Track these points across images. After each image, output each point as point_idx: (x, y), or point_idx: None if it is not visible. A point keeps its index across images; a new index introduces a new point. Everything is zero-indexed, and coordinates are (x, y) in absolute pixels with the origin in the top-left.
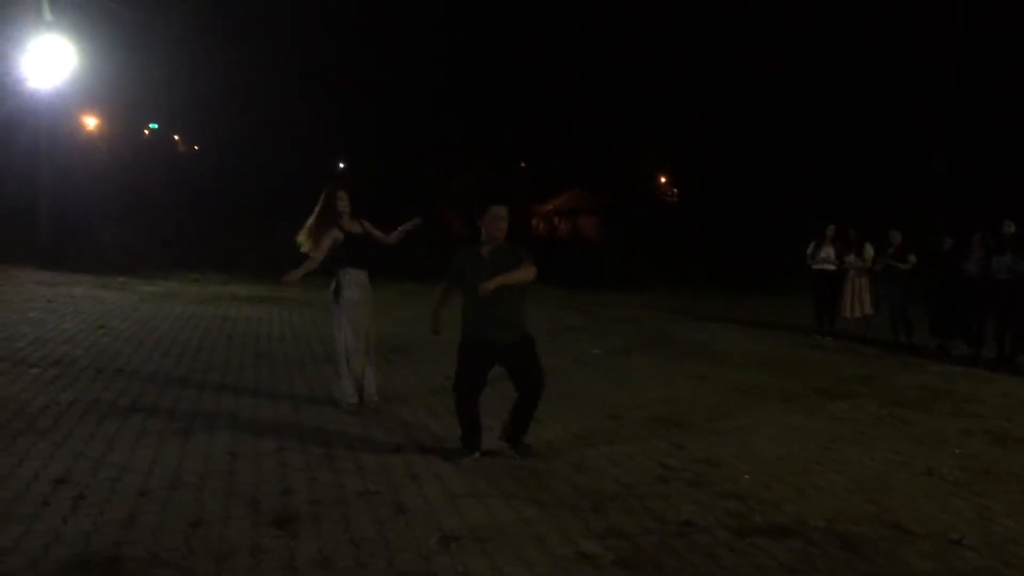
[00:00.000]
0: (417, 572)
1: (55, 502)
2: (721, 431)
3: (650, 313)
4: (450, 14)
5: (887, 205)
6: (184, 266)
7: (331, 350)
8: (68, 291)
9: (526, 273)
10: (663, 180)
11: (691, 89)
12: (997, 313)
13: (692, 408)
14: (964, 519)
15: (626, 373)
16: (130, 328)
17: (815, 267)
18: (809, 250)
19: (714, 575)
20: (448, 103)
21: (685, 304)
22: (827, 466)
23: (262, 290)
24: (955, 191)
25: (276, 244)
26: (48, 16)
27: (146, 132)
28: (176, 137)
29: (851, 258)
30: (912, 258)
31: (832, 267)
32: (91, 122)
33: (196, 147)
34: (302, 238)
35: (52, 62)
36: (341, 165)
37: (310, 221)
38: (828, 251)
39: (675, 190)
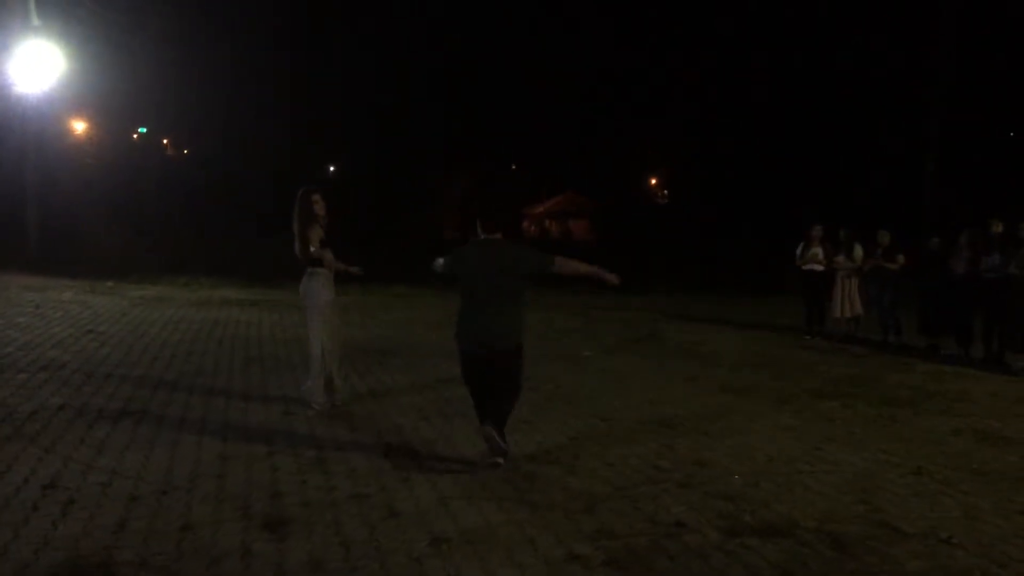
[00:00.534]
0: (408, 575)
1: (45, 507)
2: (712, 432)
3: (641, 314)
4: (442, 19)
5: (875, 205)
6: (174, 270)
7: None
8: (56, 296)
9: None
10: (653, 182)
11: (681, 91)
12: (985, 312)
13: (683, 409)
14: (954, 518)
15: (617, 375)
16: (119, 332)
17: (804, 268)
18: (798, 251)
19: None
20: (440, 108)
21: (676, 305)
22: (817, 466)
23: (252, 294)
24: (943, 190)
25: (266, 248)
26: (36, 21)
27: (135, 136)
28: (165, 141)
29: (841, 258)
30: (901, 258)
31: (821, 267)
32: (79, 126)
33: (185, 151)
34: (307, 243)
35: (40, 66)
36: (332, 169)
37: (296, 227)
38: (817, 251)
39: (665, 192)
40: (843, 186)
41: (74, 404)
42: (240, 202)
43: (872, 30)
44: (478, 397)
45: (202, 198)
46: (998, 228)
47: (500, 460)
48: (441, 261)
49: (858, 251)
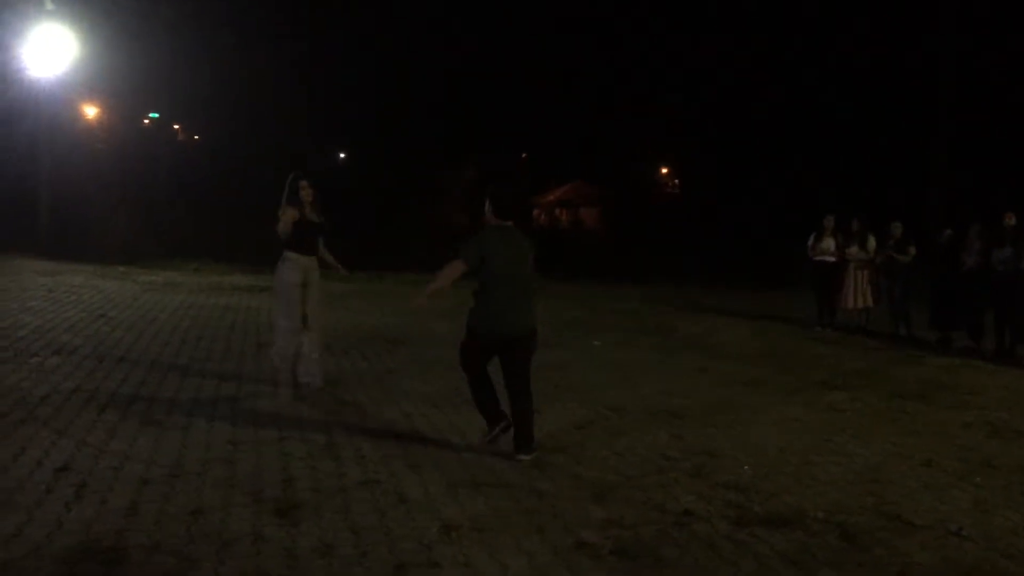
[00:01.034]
0: (418, 561)
1: (57, 490)
2: (721, 423)
3: (650, 305)
4: (451, 6)
5: (887, 196)
6: (184, 256)
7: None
8: (69, 280)
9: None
10: (664, 171)
11: (692, 80)
12: (997, 305)
13: (692, 400)
14: (963, 510)
15: (626, 365)
16: (131, 317)
17: (816, 259)
18: (809, 242)
19: (714, 565)
20: (449, 95)
21: (685, 296)
22: (827, 457)
23: (262, 280)
24: (955, 183)
25: (275, 235)
26: (49, 5)
27: (146, 121)
28: (176, 126)
29: (854, 249)
30: (912, 250)
31: (833, 259)
32: (91, 111)
33: (196, 136)
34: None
35: (53, 51)
36: (342, 156)
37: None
38: (829, 243)
39: (676, 181)
40: (854, 177)
41: (87, 388)
42: (250, 189)
43: (884, 17)
44: (488, 389)
45: (213, 184)
46: (1011, 221)
47: (529, 457)
48: (463, 256)
49: (871, 242)
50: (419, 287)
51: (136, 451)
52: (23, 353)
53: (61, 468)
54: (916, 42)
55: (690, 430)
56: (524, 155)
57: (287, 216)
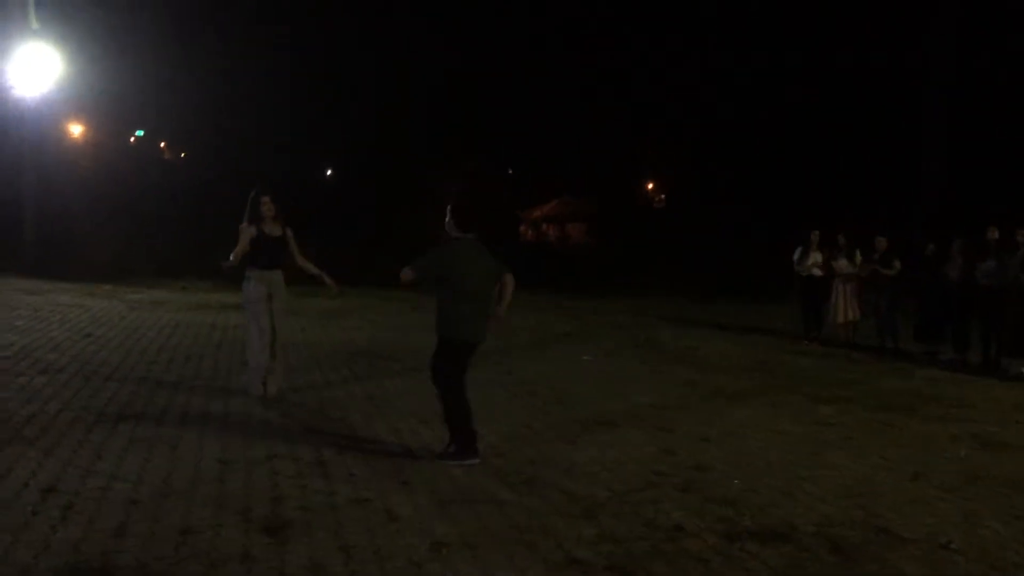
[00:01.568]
0: None
1: (44, 511)
2: (711, 437)
3: (639, 319)
4: (440, 21)
5: (873, 210)
6: (171, 274)
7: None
8: (54, 299)
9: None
10: (650, 186)
11: (677, 93)
12: (982, 318)
13: (682, 414)
14: (952, 523)
15: (616, 379)
16: (118, 336)
17: (802, 273)
18: (796, 256)
19: None
20: (436, 111)
21: (674, 310)
22: (816, 471)
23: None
24: (942, 196)
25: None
26: (35, 24)
27: (132, 139)
28: (162, 144)
29: (842, 263)
30: (897, 263)
31: (819, 273)
32: (77, 129)
33: (183, 154)
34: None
35: (38, 70)
36: (329, 172)
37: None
38: (816, 257)
39: (662, 196)
40: (840, 191)
41: (73, 408)
42: (236, 206)
43: (871, 27)
44: (463, 395)
45: (199, 201)
46: (994, 234)
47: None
48: (415, 266)
49: (858, 256)
50: (407, 302)
51: (124, 471)
52: (9, 372)
53: (48, 489)
54: (903, 53)
55: (680, 444)
56: (510, 171)
57: (243, 236)
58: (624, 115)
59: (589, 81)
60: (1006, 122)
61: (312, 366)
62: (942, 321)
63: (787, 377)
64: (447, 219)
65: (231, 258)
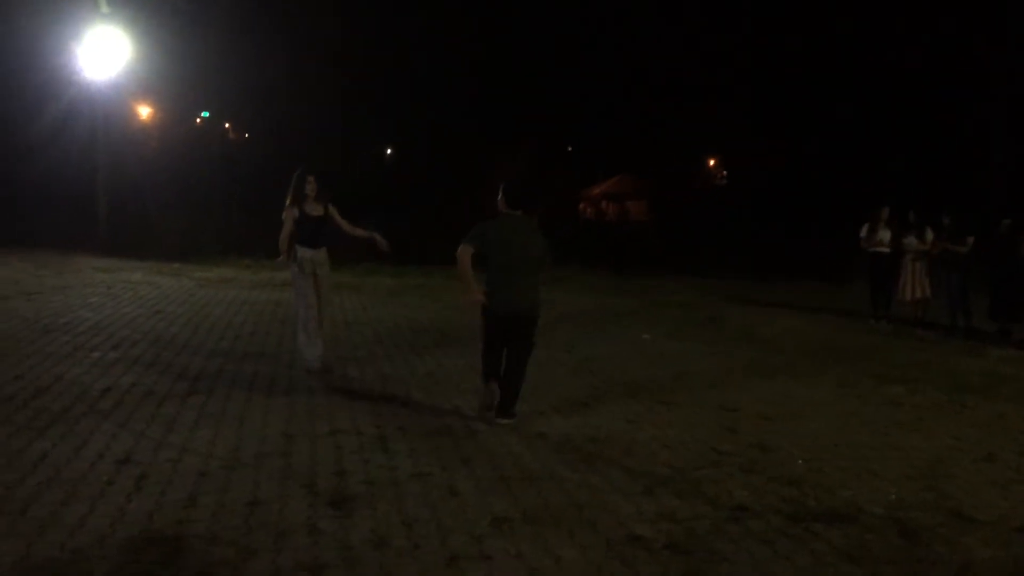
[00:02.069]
0: (470, 554)
1: (119, 482)
2: (774, 417)
3: (701, 298)
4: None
5: (947, 187)
6: (236, 252)
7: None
8: (126, 277)
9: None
10: (712, 163)
11: (741, 70)
12: None
13: (744, 393)
14: None
15: (676, 358)
16: (186, 313)
17: (870, 250)
18: (863, 233)
19: (768, 560)
20: (494, 90)
21: (735, 288)
22: (884, 452)
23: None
24: (1016, 171)
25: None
26: (104, 8)
27: (198, 120)
28: (227, 125)
29: (911, 240)
30: (970, 240)
31: (887, 250)
32: (145, 111)
33: (247, 135)
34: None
35: (107, 53)
36: (388, 152)
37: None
38: (884, 234)
39: (724, 173)
40: (910, 167)
41: (144, 382)
42: None
43: (944, 13)
44: (495, 355)
45: (262, 181)
46: None
47: (512, 423)
48: (465, 239)
49: (929, 234)
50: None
51: (194, 443)
52: (83, 348)
53: (122, 460)
54: (977, 27)
55: (742, 423)
56: (569, 148)
57: (287, 220)
58: (686, 91)
59: (650, 57)
60: None
61: (374, 343)
62: (1017, 299)
63: (854, 356)
64: (499, 196)
65: (280, 246)
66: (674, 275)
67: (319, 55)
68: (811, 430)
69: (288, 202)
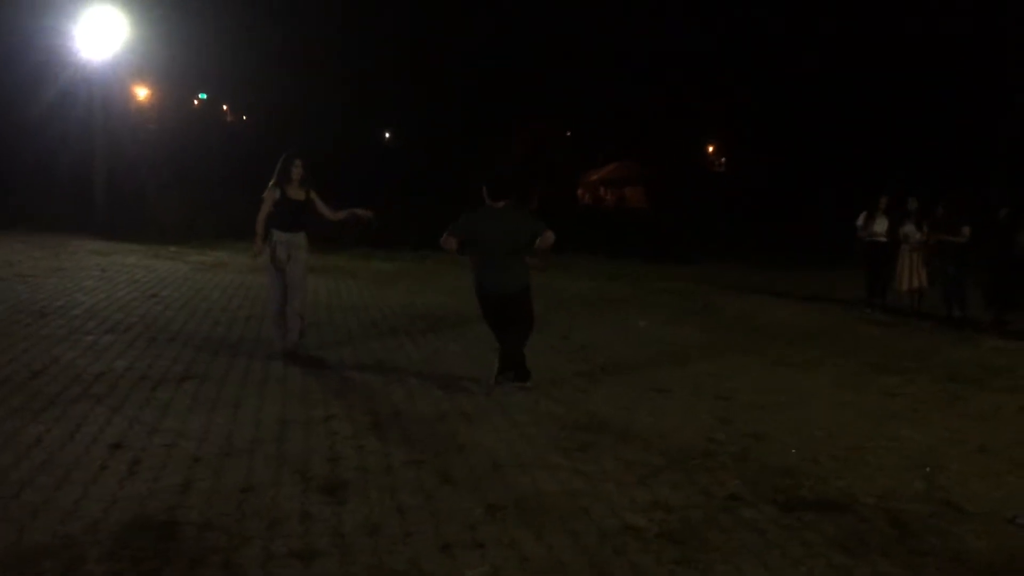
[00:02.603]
0: (463, 542)
1: (112, 466)
2: (769, 406)
3: (697, 285)
4: None
5: (942, 174)
6: (233, 236)
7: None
8: (121, 260)
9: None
10: (711, 150)
11: (740, 53)
12: None
13: (739, 382)
14: (1019, 498)
15: (671, 346)
16: (182, 297)
17: (867, 239)
18: (860, 221)
19: (761, 550)
20: (493, 74)
21: (733, 276)
22: (878, 442)
23: (310, 261)
24: (1015, 161)
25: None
26: None
27: (195, 102)
28: (225, 107)
29: (909, 228)
30: (966, 230)
31: (884, 239)
32: (142, 92)
33: (244, 116)
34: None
35: (104, 34)
36: (387, 135)
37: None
38: (882, 223)
39: (723, 160)
40: (908, 154)
41: (139, 366)
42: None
43: None
44: (497, 330)
45: (260, 164)
46: None
47: (528, 385)
48: (449, 230)
49: (916, 227)
50: (463, 266)
51: (188, 429)
52: (78, 331)
53: (115, 445)
54: (981, 10)
55: (737, 412)
56: (568, 133)
57: (266, 200)
58: (685, 76)
59: (649, 42)
60: None
61: (369, 328)
62: (1013, 289)
63: (850, 346)
64: (483, 190)
65: (256, 227)
66: (671, 262)
67: (317, 36)
68: (805, 420)
69: (272, 183)
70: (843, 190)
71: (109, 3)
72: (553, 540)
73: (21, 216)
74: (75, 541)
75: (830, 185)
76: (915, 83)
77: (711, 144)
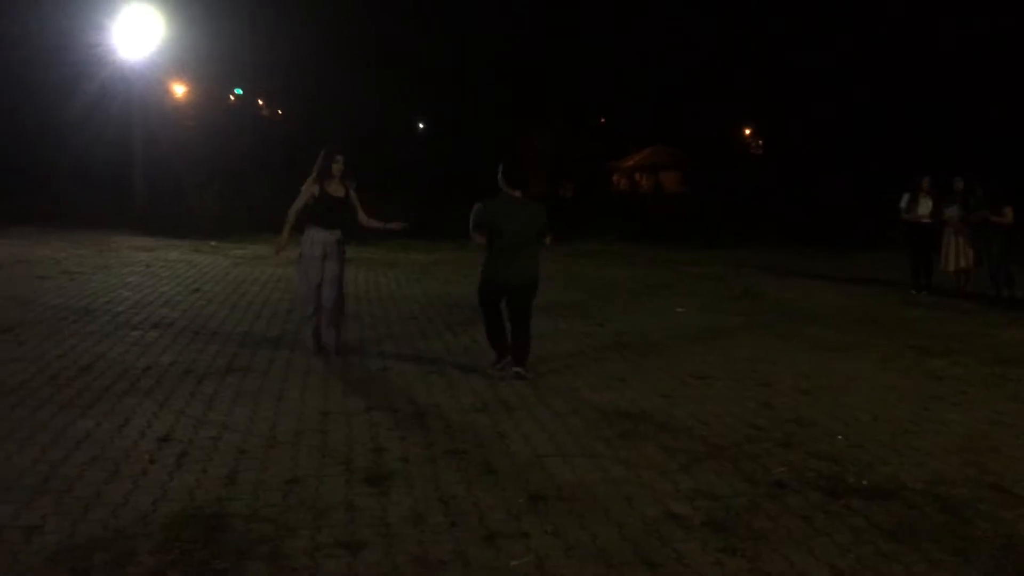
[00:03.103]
0: (507, 531)
1: (161, 459)
2: (812, 390)
3: (736, 270)
4: None
5: (985, 155)
6: (271, 230)
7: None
8: (164, 255)
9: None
10: (747, 132)
11: (775, 37)
12: None
13: (781, 367)
14: None
15: (711, 331)
16: (223, 291)
17: (911, 221)
18: (903, 203)
19: (808, 537)
20: (526, 60)
21: (773, 260)
22: (925, 426)
23: (347, 252)
24: None
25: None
26: None
27: (231, 98)
28: (260, 102)
29: (953, 209)
30: (1009, 210)
31: (929, 221)
32: (179, 90)
33: (279, 111)
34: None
35: (142, 32)
36: (421, 126)
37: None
38: (925, 204)
39: (760, 142)
40: (950, 135)
41: (184, 360)
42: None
43: None
44: (496, 327)
45: (295, 158)
46: None
47: (528, 375)
48: (476, 225)
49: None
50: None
51: (233, 421)
52: (124, 327)
53: (163, 438)
54: None
55: (779, 398)
56: (602, 120)
57: (304, 193)
58: (720, 60)
59: (681, 25)
60: None
61: (408, 319)
62: None
63: (895, 329)
64: (499, 176)
65: (288, 217)
66: (709, 247)
67: (350, 30)
68: (850, 404)
69: (312, 178)
70: (882, 171)
71: (146, 2)
72: (597, 529)
73: (62, 214)
74: (126, 534)
75: (868, 166)
76: (956, 62)
77: (747, 127)
